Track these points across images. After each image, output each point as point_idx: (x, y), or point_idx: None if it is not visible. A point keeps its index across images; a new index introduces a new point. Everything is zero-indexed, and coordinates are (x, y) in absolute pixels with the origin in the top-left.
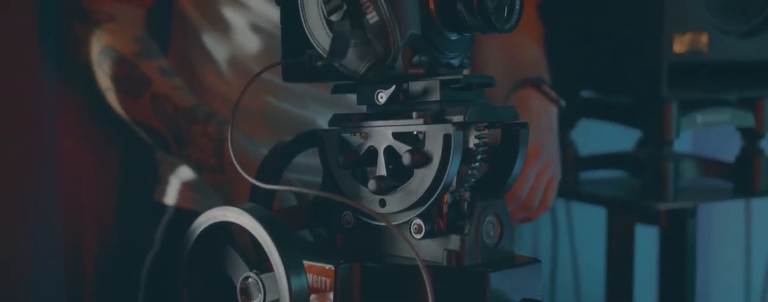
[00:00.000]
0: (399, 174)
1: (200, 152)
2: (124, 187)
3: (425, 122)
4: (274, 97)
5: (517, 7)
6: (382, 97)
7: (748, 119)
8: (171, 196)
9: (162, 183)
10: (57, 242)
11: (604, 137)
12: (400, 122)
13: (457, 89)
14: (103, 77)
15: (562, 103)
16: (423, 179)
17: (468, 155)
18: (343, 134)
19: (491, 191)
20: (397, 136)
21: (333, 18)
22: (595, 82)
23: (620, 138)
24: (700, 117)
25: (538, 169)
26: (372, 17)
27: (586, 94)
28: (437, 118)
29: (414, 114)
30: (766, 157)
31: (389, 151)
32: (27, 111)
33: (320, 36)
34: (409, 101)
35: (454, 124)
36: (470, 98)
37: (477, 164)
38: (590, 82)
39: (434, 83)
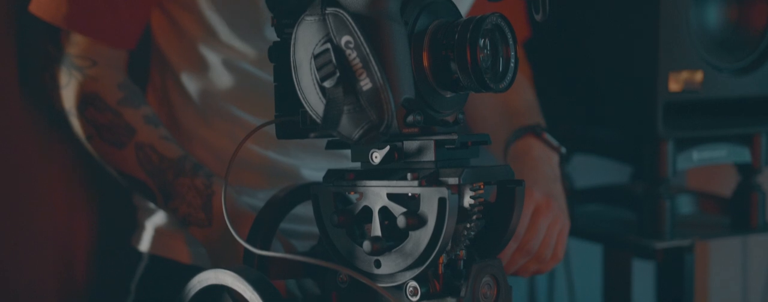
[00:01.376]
0: (394, 232)
1: (187, 206)
2: (102, 233)
3: (420, 185)
4: (257, 145)
5: (512, 64)
6: (377, 157)
7: (744, 155)
8: (148, 243)
9: (139, 229)
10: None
11: (599, 169)
12: (394, 182)
13: (452, 148)
14: (86, 125)
15: (563, 150)
16: (418, 241)
17: (463, 215)
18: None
19: (487, 250)
20: (391, 197)
21: (326, 84)
22: (590, 117)
23: (614, 171)
24: (696, 154)
25: (550, 220)
26: (365, 84)
27: (580, 129)
28: (432, 179)
29: (409, 175)
30: (762, 192)
31: (384, 211)
32: (7, 156)
33: (313, 101)
34: (404, 159)
35: (449, 186)
36: (465, 155)
37: (472, 223)
38: (585, 117)
39: (429, 143)
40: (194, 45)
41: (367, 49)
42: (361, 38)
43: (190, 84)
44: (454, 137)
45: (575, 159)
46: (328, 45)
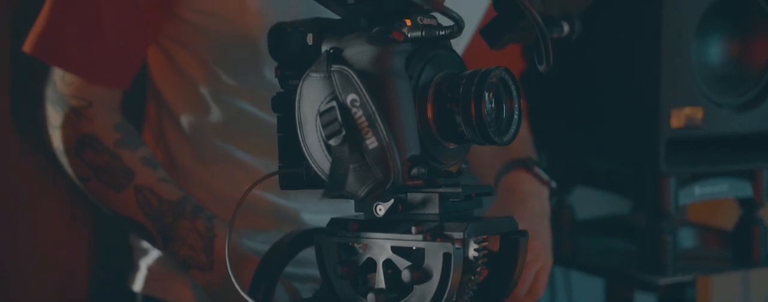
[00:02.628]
0: (398, 284)
1: (188, 248)
2: (98, 273)
3: (424, 239)
4: (257, 187)
5: (516, 117)
6: (381, 209)
7: (746, 189)
8: (145, 285)
9: (135, 270)
10: None
11: (600, 199)
12: (399, 236)
13: (456, 201)
14: (82, 167)
15: (553, 184)
16: (423, 295)
17: (468, 267)
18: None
19: (491, 299)
20: (396, 249)
21: (332, 142)
22: (592, 151)
23: (616, 201)
24: (698, 189)
25: (528, 259)
26: (371, 143)
27: (582, 161)
28: (436, 233)
29: (413, 229)
30: (764, 226)
31: (388, 263)
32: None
33: (318, 157)
34: (408, 211)
35: (454, 241)
36: (469, 206)
37: (476, 275)
38: (587, 150)
39: (433, 196)
40: (192, 84)
41: (373, 108)
42: (367, 97)
43: (188, 124)
44: (458, 190)
45: (576, 190)
46: (334, 103)
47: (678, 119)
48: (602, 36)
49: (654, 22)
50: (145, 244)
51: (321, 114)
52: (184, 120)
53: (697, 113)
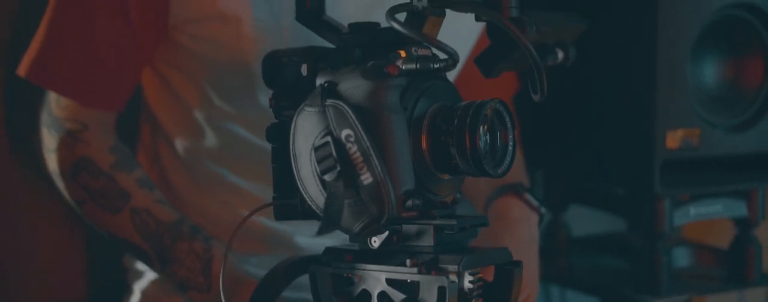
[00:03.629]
0: None
1: (186, 270)
2: (93, 296)
3: (419, 272)
4: (247, 210)
5: (511, 148)
6: (375, 241)
7: (740, 209)
8: None
9: (129, 293)
10: None
11: (595, 217)
12: (393, 268)
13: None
14: (78, 190)
15: (543, 210)
16: None
17: (463, 298)
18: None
19: None
20: (390, 282)
21: (327, 178)
22: (587, 171)
23: (610, 219)
24: (693, 209)
25: None
26: (366, 178)
27: (577, 181)
28: (431, 266)
29: (408, 261)
30: (759, 246)
31: (383, 295)
32: None
33: (313, 192)
34: (403, 243)
35: (449, 273)
36: (464, 238)
37: None
38: (582, 171)
39: (428, 228)
40: (187, 108)
41: (368, 144)
42: (362, 132)
43: (183, 147)
44: (454, 222)
45: (572, 208)
46: (329, 138)
47: (673, 140)
48: (597, 57)
49: (649, 43)
50: (140, 266)
51: (316, 149)
52: (179, 144)
53: (692, 135)
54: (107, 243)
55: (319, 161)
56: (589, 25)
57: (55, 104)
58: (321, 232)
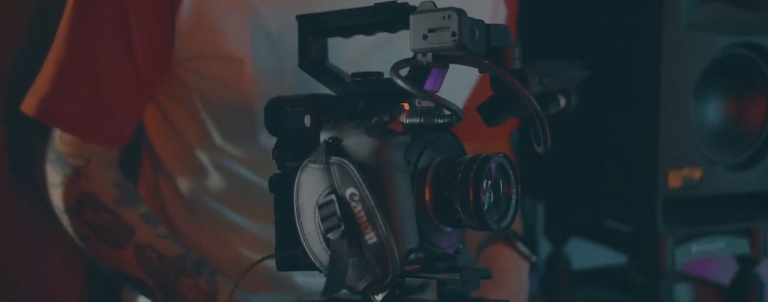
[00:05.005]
0: None
1: None
2: None
3: None
4: (250, 250)
5: (513, 202)
6: (378, 295)
7: (743, 247)
8: None
9: None
10: None
11: (596, 250)
12: None
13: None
14: (81, 225)
15: (534, 259)
16: None
17: None
18: None
19: None
20: None
21: (331, 236)
22: (589, 207)
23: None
24: (695, 247)
25: None
26: (370, 238)
27: (579, 216)
28: None
29: None
30: (761, 283)
31: None
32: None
33: (317, 249)
34: (406, 296)
35: None
36: (466, 289)
37: None
38: (584, 206)
39: (431, 282)
40: (189, 145)
41: (373, 203)
42: (366, 191)
43: (183, 184)
44: (457, 276)
45: (573, 240)
46: (333, 196)
47: (675, 179)
48: (601, 94)
49: (652, 82)
50: (142, 301)
51: (320, 207)
52: (180, 181)
53: (694, 174)
54: (106, 278)
55: (323, 219)
56: (592, 69)
57: (58, 140)
58: (326, 293)
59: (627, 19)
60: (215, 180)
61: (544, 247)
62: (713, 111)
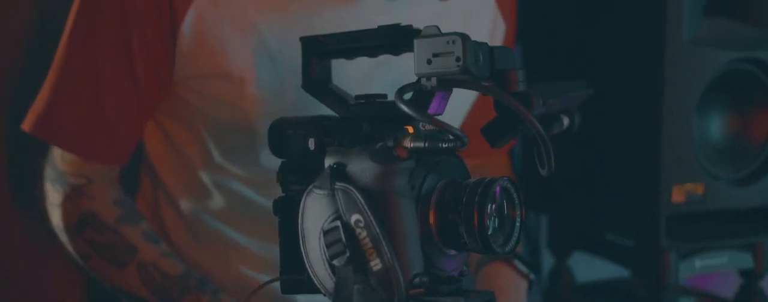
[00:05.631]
0: None
1: None
2: None
3: None
4: (250, 269)
5: (518, 225)
6: None
7: (746, 261)
8: None
9: None
10: None
11: (600, 263)
12: None
13: None
14: (83, 245)
15: (532, 277)
16: None
17: None
18: None
19: None
20: None
21: (336, 263)
22: (593, 221)
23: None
24: (698, 262)
25: None
26: (376, 264)
27: (583, 230)
28: None
29: None
30: (765, 297)
31: None
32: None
33: (321, 275)
34: None
35: None
36: None
37: None
38: (587, 220)
39: None
40: (189, 164)
41: (378, 230)
42: (371, 218)
43: (183, 202)
44: (461, 300)
45: (576, 253)
46: (338, 223)
47: (679, 194)
48: (604, 110)
49: (655, 98)
50: None
51: (325, 233)
52: (180, 198)
53: (697, 189)
54: (106, 296)
55: (328, 246)
56: (594, 85)
57: (59, 158)
58: None
59: (630, 35)
60: (215, 198)
61: (548, 260)
62: (716, 126)
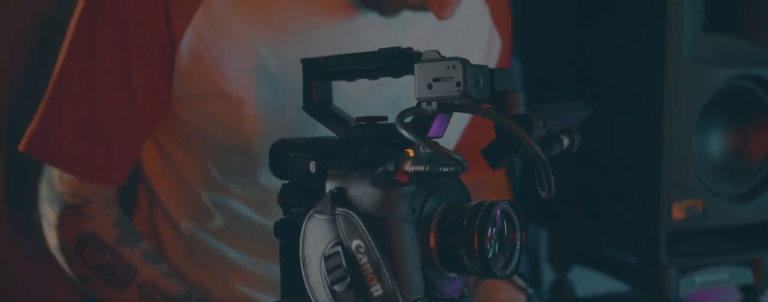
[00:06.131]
0: None
1: None
2: None
3: None
4: (247, 287)
5: (518, 248)
6: None
7: (746, 276)
8: None
9: None
10: None
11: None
12: None
13: None
14: (82, 266)
15: (530, 291)
16: None
17: None
18: None
19: None
20: None
21: (336, 288)
22: (593, 236)
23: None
24: (698, 278)
25: None
26: (376, 290)
27: (583, 245)
28: None
29: None
30: None
31: None
32: None
33: (322, 300)
34: None
35: None
36: None
37: None
38: (587, 235)
39: None
40: (187, 183)
41: (378, 255)
42: (372, 244)
43: (181, 220)
44: None
45: (576, 267)
46: (339, 248)
47: (679, 211)
48: (604, 128)
49: (655, 115)
50: None
51: (325, 258)
52: (177, 217)
53: (697, 205)
54: None
55: (328, 271)
56: (595, 101)
57: (57, 179)
58: None
59: (629, 52)
60: (213, 217)
61: (548, 274)
62: (716, 143)
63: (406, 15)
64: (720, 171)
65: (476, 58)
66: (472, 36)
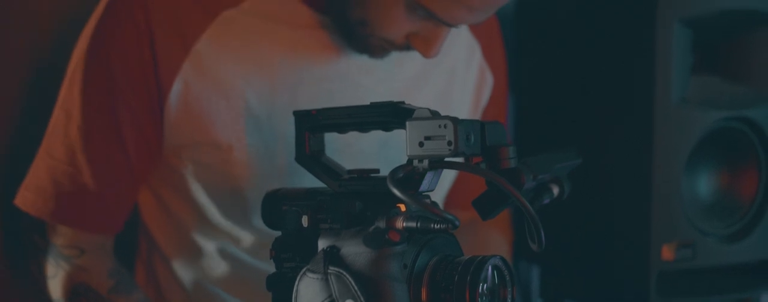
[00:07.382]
0: None
1: None
2: None
3: None
4: None
5: (509, 300)
6: None
7: None
8: None
9: None
10: None
11: None
12: None
13: None
14: None
15: None
16: None
17: None
18: None
19: None
20: None
21: None
22: (583, 276)
23: None
24: None
25: None
26: None
27: (574, 283)
28: None
29: None
30: None
31: None
32: None
33: None
34: None
35: None
36: None
37: None
38: (578, 274)
39: None
40: (183, 228)
41: None
42: None
43: (178, 265)
44: None
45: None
46: None
47: (668, 252)
48: (594, 166)
49: (644, 158)
50: None
51: None
52: (175, 262)
53: (686, 246)
54: None
55: None
56: (585, 144)
57: (52, 231)
58: None
59: (619, 95)
60: (210, 262)
61: None
62: (705, 183)
63: (394, 55)
64: (710, 211)
65: (466, 96)
66: (461, 75)
